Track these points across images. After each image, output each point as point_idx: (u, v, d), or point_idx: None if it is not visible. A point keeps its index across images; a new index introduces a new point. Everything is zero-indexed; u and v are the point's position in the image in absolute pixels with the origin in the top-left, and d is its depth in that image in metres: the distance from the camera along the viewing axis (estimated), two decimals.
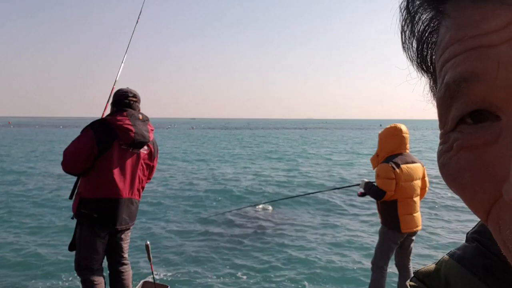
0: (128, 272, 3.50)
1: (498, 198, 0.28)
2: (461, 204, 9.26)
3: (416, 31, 0.35)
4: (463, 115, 0.30)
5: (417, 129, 74.03)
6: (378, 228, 4.07)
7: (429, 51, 0.35)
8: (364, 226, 7.39)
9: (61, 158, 3.22)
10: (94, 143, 3.11)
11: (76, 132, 3.43)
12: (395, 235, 3.66)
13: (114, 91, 3.43)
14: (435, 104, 0.34)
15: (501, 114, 0.28)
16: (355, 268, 5.31)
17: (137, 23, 3.94)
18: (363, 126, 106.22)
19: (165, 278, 4.90)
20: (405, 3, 0.34)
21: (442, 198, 9.93)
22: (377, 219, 6.97)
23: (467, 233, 0.46)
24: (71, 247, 3.33)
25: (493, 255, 0.40)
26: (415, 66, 0.37)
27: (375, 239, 5.56)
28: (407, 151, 3.73)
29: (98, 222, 3.21)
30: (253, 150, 25.99)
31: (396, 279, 3.94)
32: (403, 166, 3.60)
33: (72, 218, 3.33)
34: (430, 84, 0.37)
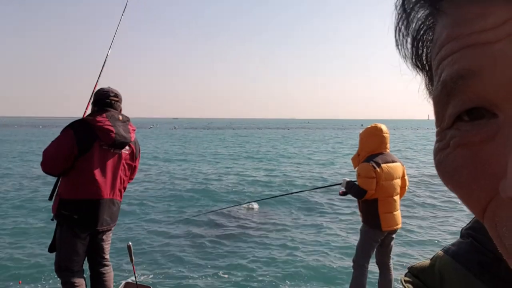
0: (110, 273, 3.47)
1: (494, 195, 0.28)
2: (438, 202, 9.45)
3: (411, 29, 0.34)
4: (460, 112, 0.30)
5: (397, 128, 75.11)
6: (358, 227, 4.13)
7: (424, 49, 0.35)
8: (345, 225, 7.47)
9: (40, 158, 3.18)
10: (74, 143, 3.07)
11: (56, 132, 3.38)
12: (376, 233, 3.72)
13: (96, 90, 3.39)
14: (431, 102, 0.34)
15: (498, 112, 0.27)
16: (335, 267, 5.37)
17: (120, 21, 3.89)
18: (345, 126, 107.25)
19: (147, 279, 4.86)
20: (401, 0, 0.34)
21: (419, 197, 10.11)
22: (357, 218, 7.06)
23: (462, 229, 0.46)
24: (51, 249, 3.28)
25: (488, 251, 0.40)
26: (409, 65, 0.37)
27: (356, 238, 5.63)
28: (387, 150, 3.79)
29: (79, 223, 3.17)
30: (235, 150, 25.98)
31: (377, 277, 4.00)
32: (384, 165, 3.66)
33: (52, 219, 3.28)
34: (425, 82, 0.37)
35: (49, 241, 3.32)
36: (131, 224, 7.34)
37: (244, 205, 8.65)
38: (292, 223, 7.63)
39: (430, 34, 0.33)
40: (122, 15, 3.95)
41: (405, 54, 0.36)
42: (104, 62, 3.79)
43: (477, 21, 0.27)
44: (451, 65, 0.29)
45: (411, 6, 0.33)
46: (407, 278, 0.46)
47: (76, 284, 3.20)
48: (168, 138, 40.00)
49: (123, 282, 3.85)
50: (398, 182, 3.77)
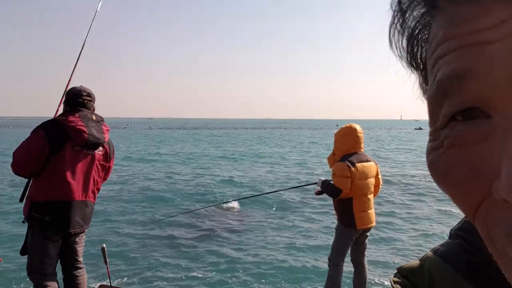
0: (83, 276, 3.40)
1: (487, 195, 0.28)
2: (409, 201, 9.66)
3: (406, 27, 0.34)
4: (455, 112, 0.29)
5: (371, 128, 76.38)
6: (332, 226, 4.18)
7: (419, 48, 0.34)
8: (319, 224, 7.55)
9: (10, 159, 3.09)
10: (46, 144, 3.00)
11: (26, 133, 3.29)
12: (351, 232, 3.78)
13: (68, 89, 3.32)
14: (425, 101, 0.34)
15: (492, 113, 0.27)
16: (310, 266, 5.42)
17: (93, 19, 3.81)
18: (320, 126, 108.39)
19: (121, 282, 4.80)
20: None
21: (392, 195, 10.32)
22: (330, 217, 7.14)
23: (451, 230, 0.46)
24: (22, 252, 3.20)
25: (478, 252, 0.40)
26: (404, 63, 0.36)
27: (329, 237, 5.70)
28: (362, 150, 3.86)
29: (50, 226, 3.09)
30: (211, 150, 25.89)
31: (351, 275, 4.05)
32: (358, 164, 3.72)
33: (23, 221, 3.19)
34: (419, 82, 0.36)
35: (21, 244, 3.24)
36: (105, 226, 7.22)
37: (219, 206, 8.62)
38: (267, 223, 7.66)
39: (425, 33, 0.33)
40: (96, 13, 3.87)
41: (400, 53, 0.36)
42: (77, 60, 3.71)
43: (475, 20, 0.27)
44: (447, 64, 0.29)
45: (407, 4, 0.33)
46: (396, 279, 0.45)
47: (48, 287, 3.13)
48: (142, 138, 39.50)
49: (97, 285, 3.79)
50: (372, 181, 3.84)
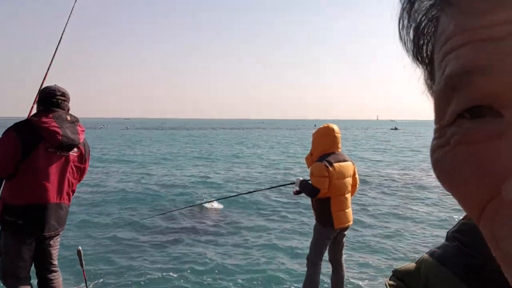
0: (58, 279, 3.33)
1: (496, 194, 0.27)
2: (387, 199, 9.82)
3: (413, 19, 0.33)
4: (464, 109, 0.28)
5: (348, 128, 77.32)
6: (309, 226, 4.21)
7: (425, 42, 0.33)
8: (296, 224, 7.59)
9: None
10: (18, 144, 2.93)
11: None
12: (329, 231, 3.81)
13: (42, 88, 3.24)
14: (430, 97, 0.33)
15: (503, 111, 0.26)
16: (287, 266, 5.45)
17: (69, 17, 3.73)
18: (299, 126, 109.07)
19: (98, 285, 4.73)
20: None
21: (368, 195, 10.47)
22: (307, 217, 7.18)
23: (448, 232, 0.45)
24: None
25: (477, 254, 0.39)
26: (410, 57, 0.35)
27: (306, 237, 5.74)
28: (339, 150, 3.90)
29: (24, 229, 3.02)
30: (187, 151, 25.72)
31: (329, 274, 4.10)
32: (336, 164, 3.76)
33: None
34: (424, 77, 0.35)
35: None
36: (81, 228, 7.09)
37: (195, 207, 8.56)
38: (244, 223, 7.66)
39: (431, 26, 0.32)
40: (71, 11, 3.79)
41: (407, 46, 0.35)
42: (52, 58, 3.61)
43: (488, 14, 0.26)
44: (457, 59, 0.27)
45: None
46: (391, 282, 0.44)
47: None
48: (119, 139, 38.93)
49: None
50: (349, 180, 3.89)
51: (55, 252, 3.30)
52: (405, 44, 0.35)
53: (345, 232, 3.99)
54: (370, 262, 5.56)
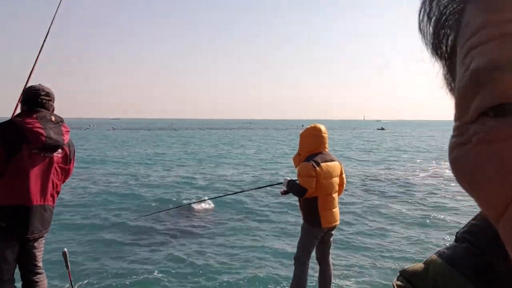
0: (43, 281, 3.28)
1: None
2: (374, 199, 9.90)
3: (435, 11, 0.32)
4: (489, 107, 0.27)
5: (335, 129, 77.78)
6: (296, 226, 4.22)
7: (446, 35, 0.32)
8: (283, 224, 7.61)
9: None
10: (1, 145, 2.88)
11: None
12: (316, 230, 3.83)
13: (26, 88, 3.18)
14: (448, 93, 0.32)
15: None
16: (274, 266, 5.45)
17: (55, 15, 3.66)
18: (286, 126, 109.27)
19: (83, 286, 4.68)
20: None
21: (355, 194, 10.54)
22: (294, 217, 7.20)
23: (457, 233, 0.43)
24: None
25: (487, 256, 0.38)
26: (429, 50, 0.34)
27: (293, 237, 5.75)
28: (326, 149, 3.92)
29: (7, 232, 2.97)
30: (174, 151, 25.60)
31: (317, 273, 4.11)
32: (323, 164, 3.77)
33: None
34: (443, 72, 0.34)
35: None
36: (67, 230, 7.00)
37: (182, 207, 8.50)
38: (231, 224, 7.65)
39: (454, 19, 0.31)
40: (57, 9, 3.72)
41: (426, 39, 0.34)
42: (37, 58, 3.55)
43: None
44: (484, 54, 0.26)
45: None
46: (398, 283, 0.43)
47: None
48: (104, 139, 38.56)
49: None
50: (336, 180, 3.91)
51: (39, 254, 3.25)
52: (424, 36, 0.34)
53: (333, 232, 4.02)
54: (356, 261, 5.60)
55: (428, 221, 7.82)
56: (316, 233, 3.84)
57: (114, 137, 44.26)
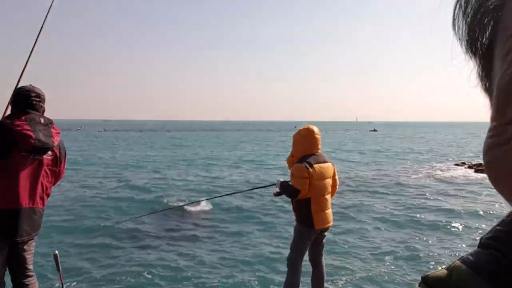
0: (34, 284, 3.25)
1: None
2: (366, 200, 9.93)
3: (471, 8, 0.31)
4: None
5: (328, 130, 77.99)
6: (289, 228, 4.21)
7: (481, 32, 0.31)
8: (276, 225, 7.61)
9: None
10: None
11: None
12: (309, 232, 3.83)
13: (16, 89, 3.15)
14: (483, 92, 0.31)
15: None
16: (267, 267, 5.45)
17: (47, 15, 3.62)
18: (279, 127, 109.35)
19: None
20: None
21: (347, 196, 10.57)
22: (286, 218, 7.19)
23: (481, 238, 0.42)
24: None
25: None
26: (463, 47, 0.33)
27: (286, 239, 5.74)
28: (319, 151, 3.93)
29: None
30: (166, 153, 25.52)
31: (310, 274, 4.11)
32: (316, 165, 3.78)
33: None
34: (478, 71, 0.33)
35: None
36: (58, 232, 6.94)
37: (173, 209, 8.45)
38: (223, 225, 7.65)
39: (491, 16, 0.30)
40: (50, 8, 3.68)
41: (461, 35, 0.33)
42: (29, 57, 3.50)
43: None
44: None
45: None
46: None
47: None
48: (95, 141, 38.35)
49: None
50: (329, 181, 3.91)
51: (29, 256, 3.22)
52: (459, 32, 0.33)
53: (325, 233, 4.02)
54: (347, 263, 5.61)
55: (420, 222, 7.86)
56: (309, 235, 3.84)
57: (106, 138, 44.03)
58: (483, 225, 7.55)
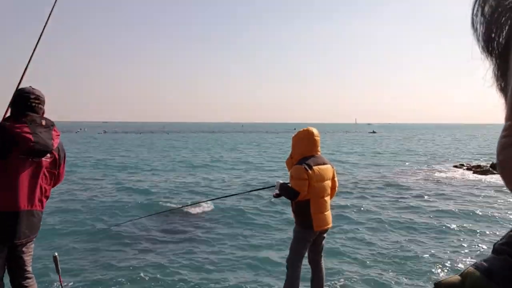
0: (33, 286, 3.24)
1: None
2: (364, 203, 9.93)
3: (490, 6, 0.31)
4: None
5: (327, 132, 78.00)
6: (288, 230, 4.21)
7: (498, 31, 0.31)
8: (275, 227, 7.62)
9: None
10: None
11: None
12: (308, 233, 3.83)
13: (15, 91, 3.15)
14: (498, 91, 0.31)
15: None
16: (266, 268, 5.44)
17: (49, 16, 3.62)
18: (278, 129, 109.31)
19: None
20: None
21: (347, 198, 10.58)
22: (286, 220, 7.18)
23: (495, 244, 0.41)
24: None
25: None
26: (480, 46, 0.33)
27: (285, 241, 5.74)
28: (319, 153, 3.93)
29: None
30: (165, 155, 25.49)
31: (309, 275, 4.11)
32: (315, 167, 3.78)
33: None
34: (493, 70, 0.33)
35: None
36: (57, 234, 6.94)
37: (173, 212, 8.45)
38: (222, 227, 7.65)
39: (506, 15, 0.30)
40: (52, 9, 3.67)
41: (478, 34, 0.33)
42: (30, 59, 3.50)
43: None
44: None
45: None
46: None
47: None
48: (95, 143, 38.31)
49: None
50: (328, 183, 3.92)
51: (28, 258, 3.21)
52: (477, 31, 0.32)
53: (325, 235, 4.02)
54: (347, 265, 5.61)
55: (419, 224, 7.87)
56: (308, 236, 3.85)
57: (105, 140, 43.99)
58: (482, 227, 7.57)
